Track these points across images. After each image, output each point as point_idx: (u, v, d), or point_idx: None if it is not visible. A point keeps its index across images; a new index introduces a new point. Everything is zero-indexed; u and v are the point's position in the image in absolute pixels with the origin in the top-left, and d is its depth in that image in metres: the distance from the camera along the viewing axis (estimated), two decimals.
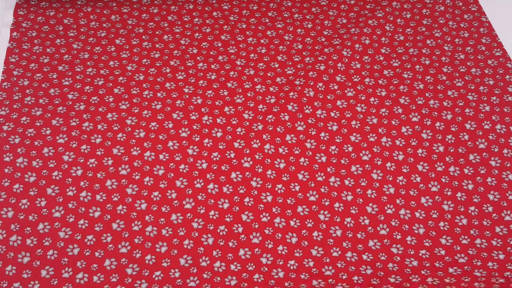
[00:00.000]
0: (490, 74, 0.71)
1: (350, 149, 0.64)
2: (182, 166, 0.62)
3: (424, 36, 0.75)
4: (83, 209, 0.58)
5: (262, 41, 0.74)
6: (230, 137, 0.65)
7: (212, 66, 0.71)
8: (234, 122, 0.66)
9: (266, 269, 0.55)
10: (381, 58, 0.72)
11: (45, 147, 0.62)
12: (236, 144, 0.64)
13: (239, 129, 0.65)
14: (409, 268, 0.56)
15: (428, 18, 0.77)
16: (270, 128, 0.65)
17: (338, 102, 0.68)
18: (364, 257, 0.57)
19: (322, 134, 0.65)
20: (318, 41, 0.75)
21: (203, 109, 0.67)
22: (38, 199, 0.58)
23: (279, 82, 0.70)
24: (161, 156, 0.62)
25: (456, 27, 0.77)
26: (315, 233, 0.58)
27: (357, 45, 0.73)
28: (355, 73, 0.70)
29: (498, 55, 0.73)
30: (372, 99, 0.68)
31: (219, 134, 0.65)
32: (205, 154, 0.63)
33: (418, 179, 0.62)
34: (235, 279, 0.55)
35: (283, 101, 0.67)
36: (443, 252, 0.57)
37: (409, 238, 0.58)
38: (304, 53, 0.73)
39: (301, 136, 0.65)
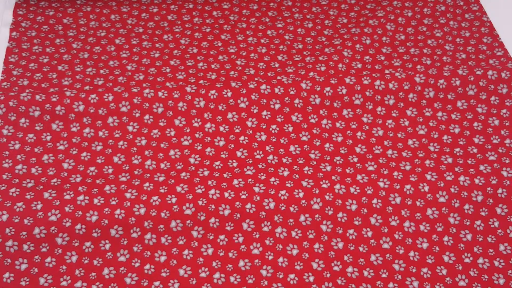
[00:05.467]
0: (492, 74, 0.70)
1: (356, 159, 0.63)
2: (183, 174, 0.61)
3: (425, 36, 0.75)
4: (80, 213, 0.57)
5: (262, 40, 0.74)
6: (232, 146, 0.64)
7: (212, 66, 0.71)
8: (237, 130, 0.65)
9: (266, 282, 0.55)
10: (382, 58, 0.72)
11: (45, 154, 0.61)
12: (238, 154, 0.63)
13: (242, 138, 0.64)
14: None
15: (429, 17, 0.77)
16: (274, 139, 0.64)
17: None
18: (365, 273, 0.56)
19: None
20: (318, 40, 0.74)
21: (205, 115, 0.65)
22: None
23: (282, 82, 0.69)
24: (162, 165, 0.62)
25: (457, 27, 0.76)
26: (316, 245, 0.58)
27: (358, 45, 0.73)
28: (356, 73, 0.70)
29: (500, 54, 0.73)
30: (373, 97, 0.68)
31: (221, 143, 0.64)
32: (207, 163, 0.62)
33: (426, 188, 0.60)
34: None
35: (288, 99, 0.67)
36: (444, 272, 0.56)
37: (411, 254, 0.57)
38: (304, 52, 0.73)
39: (305, 146, 0.64)
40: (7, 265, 0.54)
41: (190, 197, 0.57)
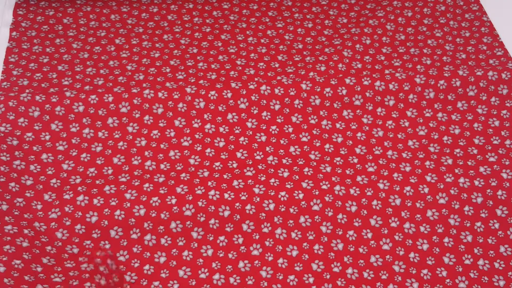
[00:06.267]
0: (492, 75, 0.70)
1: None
2: (183, 175, 0.61)
3: (425, 36, 0.75)
4: (79, 213, 0.56)
5: (262, 40, 0.74)
6: (232, 146, 0.64)
7: (212, 66, 0.71)
8: (237, 131, 0.65)
9: (265, 283, 0.55)
10: (382, 58, 0.72)
11: (44, 153, 0.61)
12: (238, 154, 0.63)
13: (241, 139, 0.64)
14: None
15: (429, 17, 0.77)
16: (274, 140, 0.64)
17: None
18: (365, 274, 0.56)
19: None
20: (318, 40, 0.74)
21: (205, 115, 0.65)
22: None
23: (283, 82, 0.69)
24: (161, 166, 0.62)
25: (457, 27, 0.76)
26: (316, 246, 0.58)
27: (358, 45, 0.73)
28: (356, 73, 0.70)
29: (500, 54, 0.73)
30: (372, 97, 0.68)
31: (221, 144, 0.64)
32: (207, 164, 0.62)
33: (426, 190, 0.60)
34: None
35: (288, 100, 0.67)
36: (444, 274, 0.56)
37: (412, 255, 0.57)
38: (304, 52, 0.73)
39: (305, 147, 0.64)
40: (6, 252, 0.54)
41: (190, 198, 0.57)
